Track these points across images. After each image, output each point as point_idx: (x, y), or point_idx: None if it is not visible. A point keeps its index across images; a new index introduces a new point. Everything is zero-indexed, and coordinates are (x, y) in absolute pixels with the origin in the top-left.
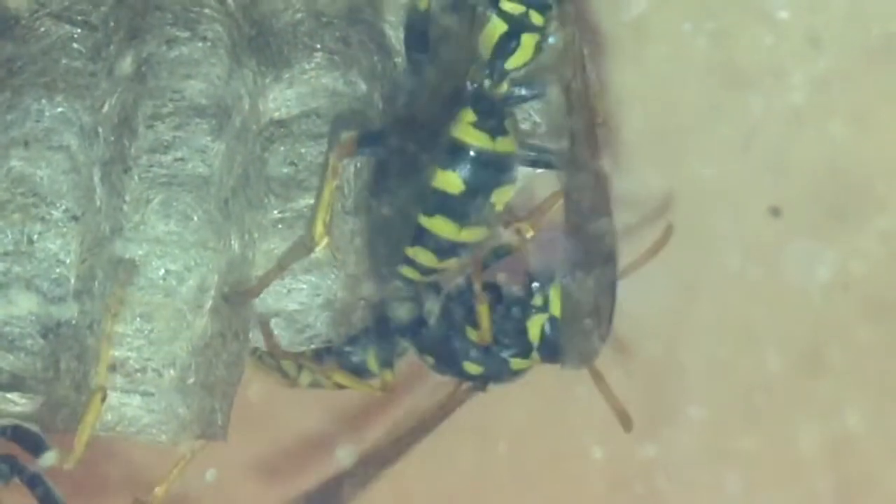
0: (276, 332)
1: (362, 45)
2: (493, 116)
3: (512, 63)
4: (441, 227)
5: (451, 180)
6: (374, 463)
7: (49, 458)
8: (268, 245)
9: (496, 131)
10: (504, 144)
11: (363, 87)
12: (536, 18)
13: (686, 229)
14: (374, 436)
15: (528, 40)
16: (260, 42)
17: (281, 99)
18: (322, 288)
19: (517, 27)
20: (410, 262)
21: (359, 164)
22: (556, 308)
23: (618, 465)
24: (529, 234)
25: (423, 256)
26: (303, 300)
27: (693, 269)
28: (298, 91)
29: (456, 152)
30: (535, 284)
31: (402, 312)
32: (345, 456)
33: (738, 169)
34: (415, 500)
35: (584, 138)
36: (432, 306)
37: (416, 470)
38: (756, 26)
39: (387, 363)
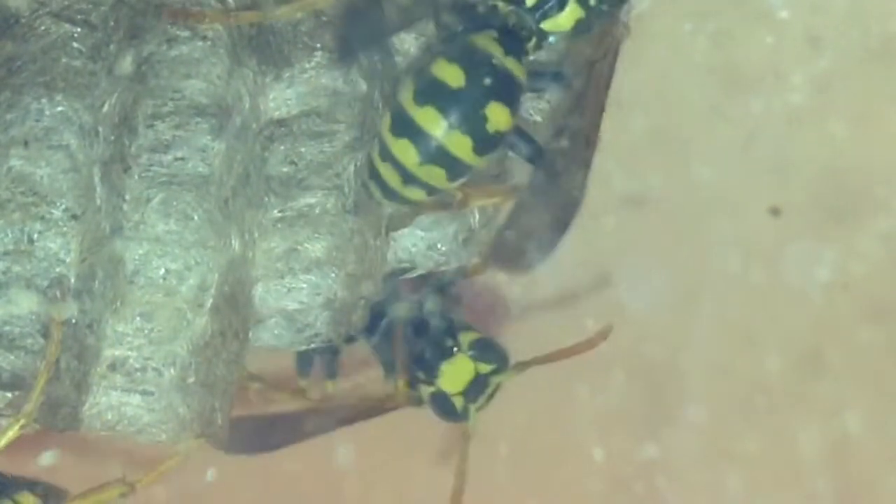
0: (276, 331)
1: None
2: (517, 48)
3: (549, 25)
4: (427, 119)
5: (453, 72)
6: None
7: None
8: (268, 244)
9: (515, 54)
10: (518, 68)
11: (363, 86)
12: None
13: (686, 230)
14: (375, 434)
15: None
16: (260, 41)
17: (281, 98)
18: (322, 287)
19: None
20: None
21: (358, 163)
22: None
23: (618, 466)
24: (458, 198)
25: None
26: (303, 299)
27: (693, 269)
28: (298, 90)
29: (466, 50)
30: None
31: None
32: (345, 454)
33: (738, 169)
34: (415, 501)
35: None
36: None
37: (416, 470)
38: (756, 27)
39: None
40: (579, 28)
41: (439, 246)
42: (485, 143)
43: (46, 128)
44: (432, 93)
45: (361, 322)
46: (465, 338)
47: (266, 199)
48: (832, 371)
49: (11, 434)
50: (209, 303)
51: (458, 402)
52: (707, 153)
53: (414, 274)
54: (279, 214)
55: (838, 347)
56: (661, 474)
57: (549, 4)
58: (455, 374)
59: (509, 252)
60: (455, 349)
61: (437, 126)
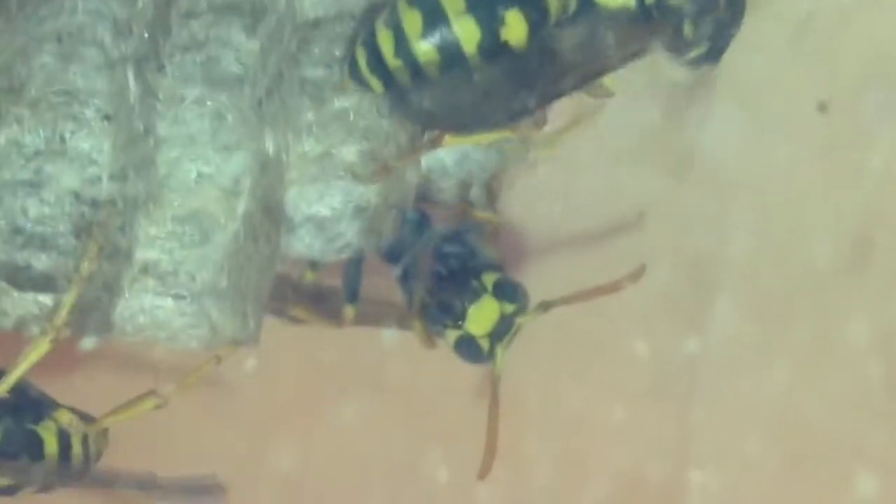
0: (307, 240)
1: None
2: None
3: None
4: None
5: None
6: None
7: None
8: (302, 147)
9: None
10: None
11: None
12: None
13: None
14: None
15: None
16: None
17: None
18: (355, 194)
19: None
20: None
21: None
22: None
23: (661, 360)
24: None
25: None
26: (335, 206)
27: (739, 160)
28: None
29: None
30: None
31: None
32: (390, 336)
33: (788, 61)
34: (461, 382)
35: None
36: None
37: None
38: None
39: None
40: None
41: (472, 155)
42: (491, 46)
43: (80, 23)
44: None
45: (392, 233)
46: (489, 278)
47: (300, 101)
48: (882, 259)
49: (42, 348)
50: (242, 207)
51: (485, 344)
52: (756, 45)
53: (447, 182)
54: (313, 117)
55: (889, 235)
56: (704, 366)
57: None
58: (481, 316)
59: None
60: (481, 291)
61: (455, 5)
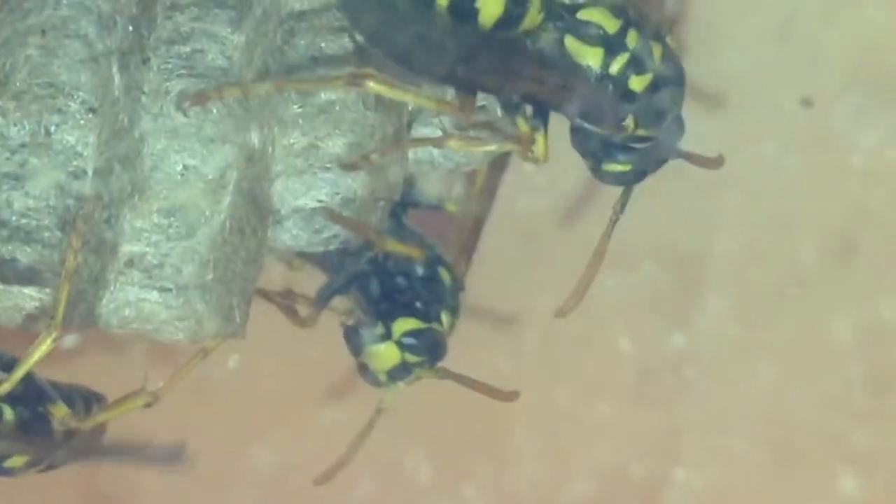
0: (294, 232)
1: None
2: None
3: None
4: None
5: None
6: None
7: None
8: (287, 140)
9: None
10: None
11: None
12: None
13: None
14: None
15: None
16: None
17: None
18: (341, 186)
19: None
20: None
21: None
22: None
23: (646, 356)
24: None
25: None
26: (321, 198)
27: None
28: None
29: None
30: None
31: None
32: None
33: (772, 59)
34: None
35: None
36: None
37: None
38: None
39: None
40: None
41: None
42: (462, 8)
43: (64, 17)
44: None
45: (380, 223)
46: (404, 325)
47: (286, 94)
48: (866, 258)
49: (45, 348)
50: (227, 199)
51: (382, 378)
52: (743, 43)
53: (440, 170)
54: (299, 110)
55: (872, 232)
56: (689, 364)
57: None
58: (381, 356)
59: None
60: (384, 337)
61: None
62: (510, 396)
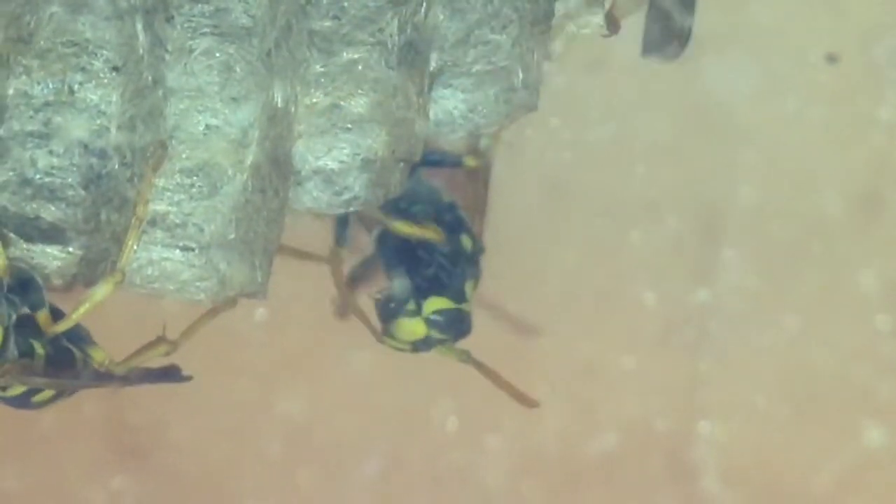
0: (314, 193)
1: None
2: None
3: None
4: None
5: None
6: None
7: None
8: (310, 99)
9: None
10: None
11: None
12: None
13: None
14: None
15: None
16: None
17: None
18: (363, 146)
19: None
20: None
21: (402, 18)
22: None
23: (669, 310)
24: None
25: None
26: (343, 159)
27: (749, 111)
28: None
29: None
30: None
31: None
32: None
33: (797, 11)
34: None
35: None
36: None
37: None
38: None
39: None
40: None
41: (480, 108)
42: None
43: None
44: None
45: (399, 186)
46: (435, 303)
47: (308, 53)
48: (892, 211)
49: (107, 289)
50: (250, 158)
51: (405, 347)
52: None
53: (459, 133)
54: (322, 69)
55: None
56: (713, 317)
57: None
58: (407, 329)
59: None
60: (415, 313)
61: None
62: (532, 403)
